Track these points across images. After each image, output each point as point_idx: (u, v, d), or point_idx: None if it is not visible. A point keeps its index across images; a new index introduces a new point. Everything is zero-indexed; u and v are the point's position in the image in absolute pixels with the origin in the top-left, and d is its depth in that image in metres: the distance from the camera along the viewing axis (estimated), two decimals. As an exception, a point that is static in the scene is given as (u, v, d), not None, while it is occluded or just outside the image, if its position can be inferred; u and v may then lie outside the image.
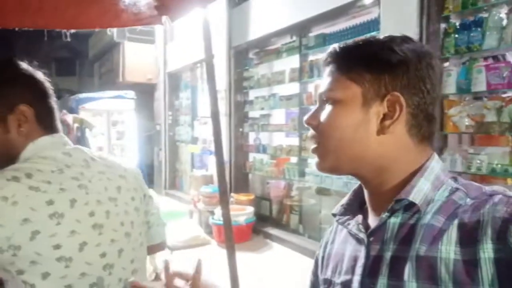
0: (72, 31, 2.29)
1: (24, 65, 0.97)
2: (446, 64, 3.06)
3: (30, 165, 0.89)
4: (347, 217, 0.73)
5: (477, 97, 2.95)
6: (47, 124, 0.98)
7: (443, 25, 3.06)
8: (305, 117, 0.71)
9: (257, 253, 4.62)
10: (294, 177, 5.03)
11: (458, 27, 2.96)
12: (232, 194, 5.57)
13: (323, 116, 0.69)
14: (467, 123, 2.89)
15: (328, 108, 0.69)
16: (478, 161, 2.81)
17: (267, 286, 3.70)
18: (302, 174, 4.89)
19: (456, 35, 2.95)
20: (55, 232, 0.84)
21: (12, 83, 0.94)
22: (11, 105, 0.93)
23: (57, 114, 1.02)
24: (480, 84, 2.77)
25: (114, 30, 8.12)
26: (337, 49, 0.70)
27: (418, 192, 0.63)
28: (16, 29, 2.23)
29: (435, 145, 3.04)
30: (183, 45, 7.49)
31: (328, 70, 0.71)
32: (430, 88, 0.67)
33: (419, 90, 0.66)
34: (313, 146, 0.71)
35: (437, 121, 2.97)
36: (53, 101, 1.01)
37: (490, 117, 2.76)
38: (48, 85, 1.00)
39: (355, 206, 0.75)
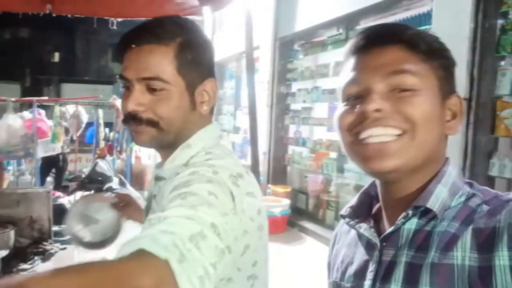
0: (120, 20, 2.40)
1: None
2: (502, 63, 2.86)
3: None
4: (356, 219, 0.71)
5: (534, 99, 2.75)
6: None
7: (500, 21, 2.85)
8: (372, 104, 0.60)
9: (290, 246, 4.62)
10: (333, 173, 4.96)
11: (517, 23, 2.76)
12: (269, 185, 5.60)
13: (414, 102, 0.59)
14: (520, 127, 2.70)
15: (410, 94, 0.60)
16: (531, 168, 2.62)
17: (297, 278, 3.71)
18: (341, 170, 4.80)
19: (514, 32, 2.75)
20: None
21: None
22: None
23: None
24: (538, 85, 2.58)
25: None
26: (409, 31, 0.64)
27: (436, 199, 0.61)
28: (69, 15, 2.38)
29: (485, 148, 2.88)
30: (230, 35, 7.55)
31: (392, 49, 0.62)
32: None
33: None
34: (390, 138, 0.60)
35: (489, 123, 2.83)
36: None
37: (547, 121, 2.56)
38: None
39: (365, 208, 0.72)
